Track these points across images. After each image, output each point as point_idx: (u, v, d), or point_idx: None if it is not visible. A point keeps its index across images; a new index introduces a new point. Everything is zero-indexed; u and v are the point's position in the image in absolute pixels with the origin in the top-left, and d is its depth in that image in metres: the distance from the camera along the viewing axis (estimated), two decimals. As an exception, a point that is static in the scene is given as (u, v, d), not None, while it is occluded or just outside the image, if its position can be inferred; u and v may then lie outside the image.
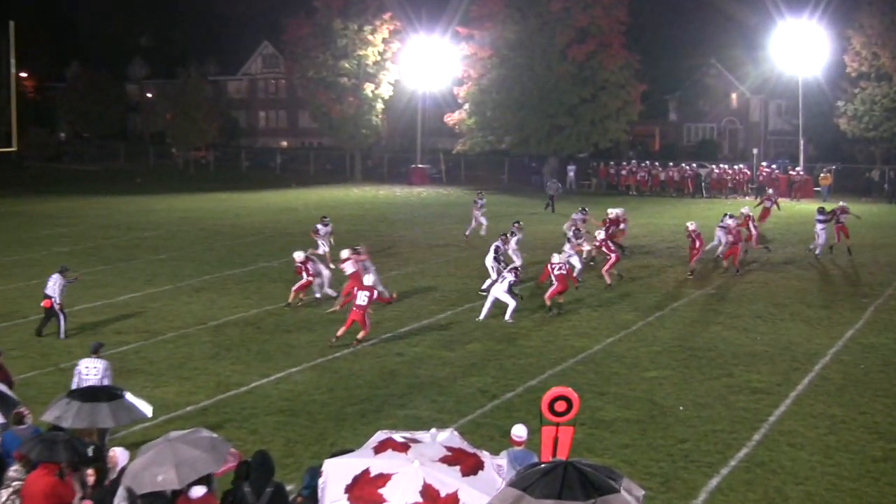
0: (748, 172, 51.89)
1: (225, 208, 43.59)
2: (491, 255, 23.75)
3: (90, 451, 9.64)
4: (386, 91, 59.74)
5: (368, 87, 58.93)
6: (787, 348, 18.25)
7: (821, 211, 29.20)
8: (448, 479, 7.71)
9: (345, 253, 21.61)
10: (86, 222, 38.04)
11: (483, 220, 33.09)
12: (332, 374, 16.59)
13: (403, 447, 8.11)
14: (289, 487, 9.66)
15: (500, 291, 20.56)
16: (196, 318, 20.82)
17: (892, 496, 11.53)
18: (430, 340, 18.94)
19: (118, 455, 9.40)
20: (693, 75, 66.57)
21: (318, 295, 22.50)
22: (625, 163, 56.27)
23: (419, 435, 8.49)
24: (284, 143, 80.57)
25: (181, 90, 69.38)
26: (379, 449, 8.18)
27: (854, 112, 51.31)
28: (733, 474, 12.08)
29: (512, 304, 20.42)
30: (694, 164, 52.81)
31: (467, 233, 33.25)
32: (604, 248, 24.84)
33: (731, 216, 27.40)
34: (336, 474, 8.00)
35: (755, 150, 56.87)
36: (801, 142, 52.45)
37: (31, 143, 68.92)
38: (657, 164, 54.42)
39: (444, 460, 7.95)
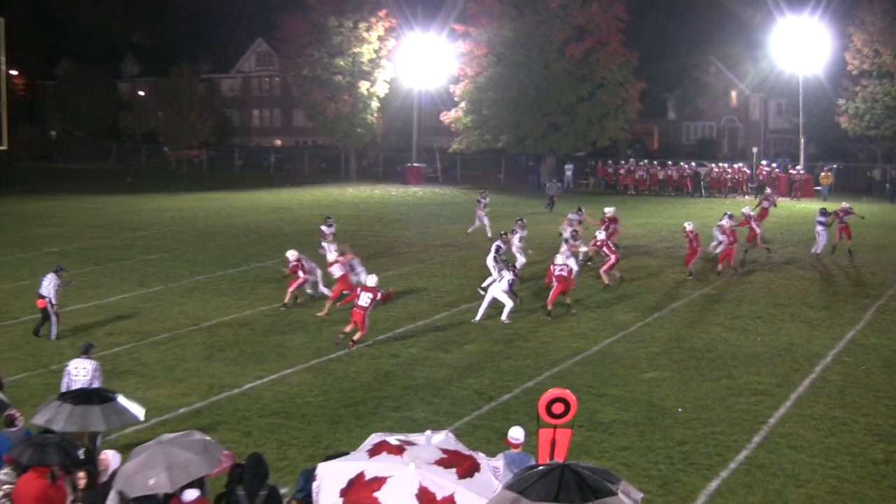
0: (748, 171, 51.73)
1: (218, 208, 43.40)
2: (492, 254, 23.64)
3: (81, 454, 9.55)
4: (381, 89, 59.59)
5: (364, 86, 58.77)
6: (787, 349, 18.14)
7: (822, 212, 29.10)
8: (444, 482, 7.67)
9: (331, 256, 21.67)
10: (77, 222, 37.83)
11: (486, 221, 32.98)
12: (327, 376, 16.46)
13: (399, 450, 8.07)
14: (283, 491, 9.61)
15: (498, 291, 20.38)
16: (189, 319, 20.67)
17: (893, 499, 11.44)
18: (425, 342, 18.82)
19: (110, 458, 9.38)
20: (692, 73, 66.24)
21: (310, 291, 22.39)
22: (623, 161, 56.07)
23: (414, 437, 8.45)
24: (278, 142, 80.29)
25: (174, 88, 68.98)
26: (374, 452, 8.14)
27: (855, 110, 51.23)
28: (733, 477, 11.99)
29: (509, 304, 20.26)
30: (693, 163, 52.62)
31: (469, 231, 33.16)
32: (604, 249, 24.65)
33: (730, 216, 27.26)
34: (331, 478, 7.99)
35: (755, 149, 56.77)
36: (802, 140, 52.39)
37: (21, 141, 68.50)
38: (656, 162, 54.31)
39: (439, 463, 7.90)
